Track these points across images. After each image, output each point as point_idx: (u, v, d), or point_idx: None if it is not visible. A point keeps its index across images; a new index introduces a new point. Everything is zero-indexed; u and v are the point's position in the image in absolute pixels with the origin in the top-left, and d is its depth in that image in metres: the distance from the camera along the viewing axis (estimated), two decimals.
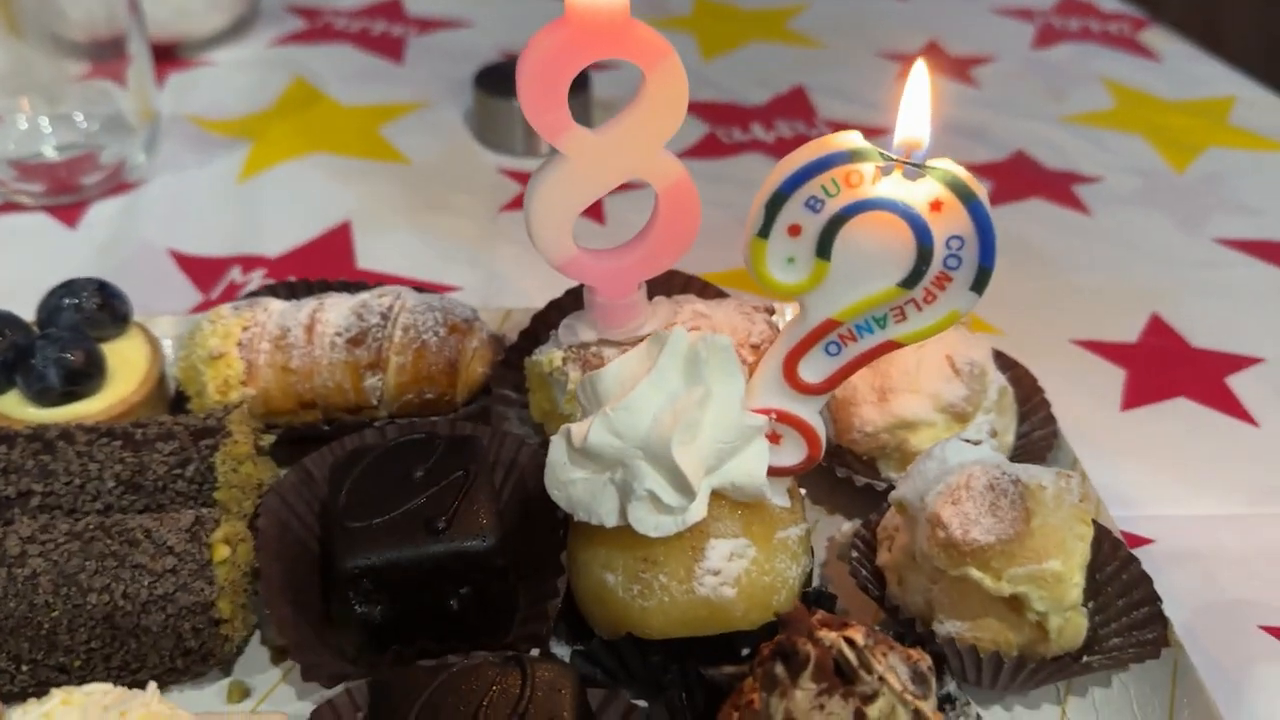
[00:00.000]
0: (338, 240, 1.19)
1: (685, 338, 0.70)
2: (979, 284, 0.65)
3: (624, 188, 0.78)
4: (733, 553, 0.71)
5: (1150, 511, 0.91)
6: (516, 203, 1.26)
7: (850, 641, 0.62)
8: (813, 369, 0.71)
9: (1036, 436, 0.91)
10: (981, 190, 0.63)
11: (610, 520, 0.70)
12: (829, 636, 0.62)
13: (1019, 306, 1.11)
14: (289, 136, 1.37)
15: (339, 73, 1.52)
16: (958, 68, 1.61)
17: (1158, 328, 1.12)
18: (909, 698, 0.61)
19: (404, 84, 1.51)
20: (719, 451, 0.70)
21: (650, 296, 0.87)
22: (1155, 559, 0.85)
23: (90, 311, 0.88)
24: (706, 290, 0.98)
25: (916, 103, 0.64)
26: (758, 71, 1.57)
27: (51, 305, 0.88)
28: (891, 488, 0.81)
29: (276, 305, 0.89)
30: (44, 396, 0.83)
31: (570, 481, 0.71)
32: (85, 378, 0.84)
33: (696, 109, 1.42)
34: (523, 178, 1.31)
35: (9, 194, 1.22)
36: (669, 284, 0.97)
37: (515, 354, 0.93)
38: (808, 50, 1.66)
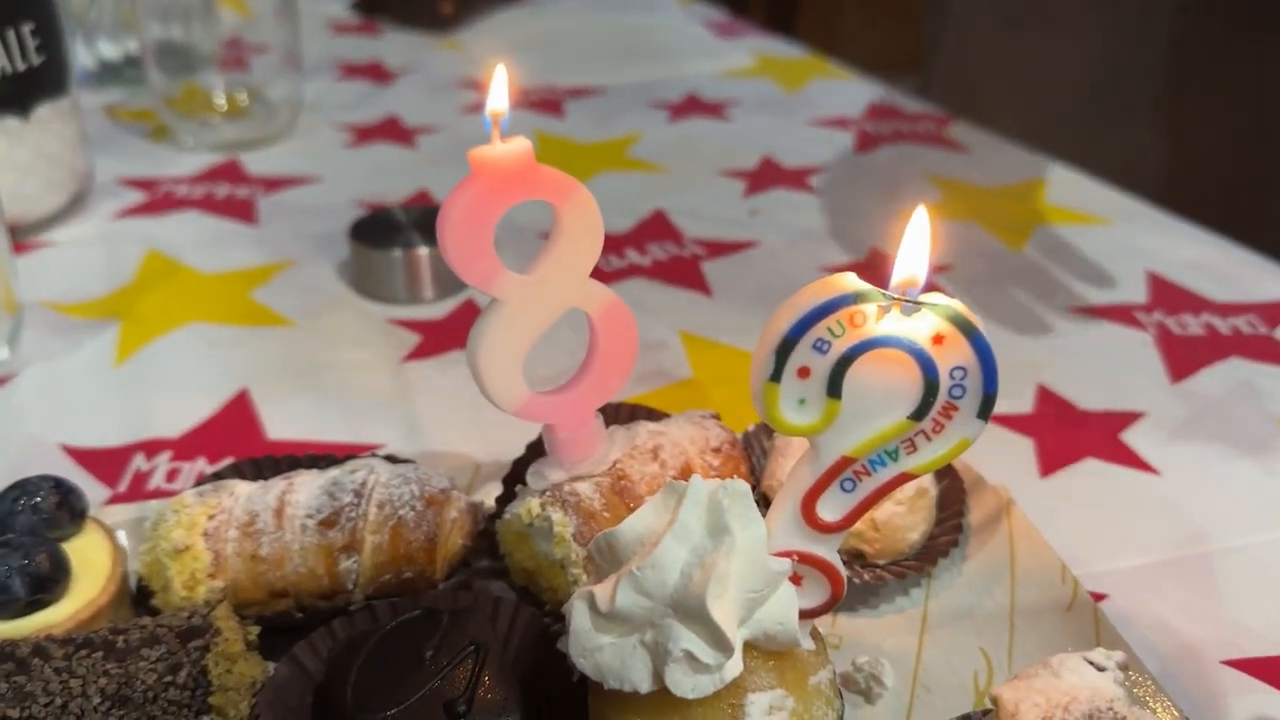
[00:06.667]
0: (240, 412, 1.14)
1: (704, 486, 0.69)
2: (984, 410, 0.68)
3: None
4: (771, 705, 0.70)
5: (1096, 569, 0.96)
6: (417, 351, 1.25)
7: None
8: (830, 507, 0.72)
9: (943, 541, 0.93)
10: (979, 322, 0.66)
11: (645, 686, 0.67)
12: None
13: None
14: (157, 311, 1.32)
15: (192, 240, 1.48)
16: (795, 179, 1.71)
17: (1047, 396, 1.20)
18: None
19: (263, 245, 1.47)
20: (748, 601, 0.69)
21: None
22: (1115, 613, 0.89)
23: (48, 511, 0.81)
24: (652, 415, 0.99)
25: (916, 244, 0.67)
26: (615, 199, 1.62)
27: (4, 509, 0.81)
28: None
29: (243, 488, 0.85)
30: (7, 609, 0.76)
31: (598, 648, 0.68)
32: (52, 584, 0.77)
33: None
34: (412, 326, 1.30)
35: None
36: (616, 416, 0.98)
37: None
38: (654, 175, 1.72)
